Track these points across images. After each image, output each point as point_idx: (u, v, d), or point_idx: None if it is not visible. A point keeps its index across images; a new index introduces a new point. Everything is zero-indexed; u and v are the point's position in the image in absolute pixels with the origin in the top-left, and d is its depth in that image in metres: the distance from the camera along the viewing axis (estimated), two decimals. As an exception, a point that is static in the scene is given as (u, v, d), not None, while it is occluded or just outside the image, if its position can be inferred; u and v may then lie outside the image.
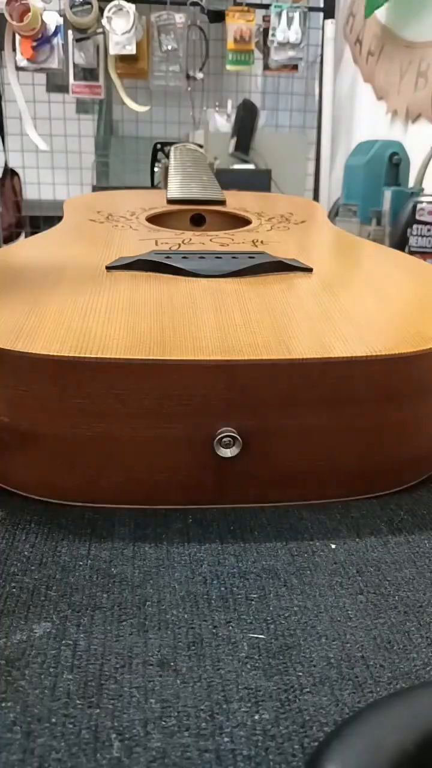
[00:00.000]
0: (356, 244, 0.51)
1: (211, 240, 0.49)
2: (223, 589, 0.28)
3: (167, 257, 0.41)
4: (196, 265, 0.40)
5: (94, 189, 1.66)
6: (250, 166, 1.72)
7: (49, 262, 0.43)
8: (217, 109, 1.98)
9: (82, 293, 0.37)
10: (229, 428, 0.32)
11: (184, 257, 0.42)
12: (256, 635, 0.25)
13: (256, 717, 0.21)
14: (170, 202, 0.61)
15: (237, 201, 0.64)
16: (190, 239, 0.49)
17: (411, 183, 1.16)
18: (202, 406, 0.31)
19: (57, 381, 0.31)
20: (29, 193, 1.85)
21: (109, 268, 0.41)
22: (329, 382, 0.31)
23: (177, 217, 0.59)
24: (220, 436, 0.32)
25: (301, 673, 0.23)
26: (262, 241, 0.49)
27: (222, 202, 0.62)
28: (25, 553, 0.30)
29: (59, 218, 0.58)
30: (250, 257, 0.42)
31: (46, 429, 0.32)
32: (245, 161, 1.74)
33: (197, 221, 0.60)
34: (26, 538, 0.31)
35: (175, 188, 0.65)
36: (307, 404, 0.32)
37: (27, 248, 0.47)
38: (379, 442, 0.33)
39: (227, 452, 0.32)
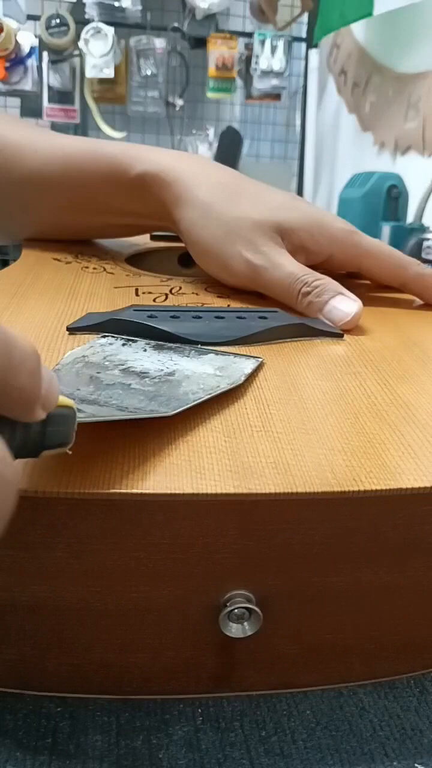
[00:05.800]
0: (388, 294, 0.41)
1: (206, 289, 0.38)
2: None
3: (150, 315, 0.31)
4: (190, 328, 0.30)
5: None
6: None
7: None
8: (195, 133, 1.89)
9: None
10: (243, 593, 0.21)
11: (173, 316, 0.31)
12: None
13: None
14: (153, 237, 0.51)
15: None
16: (179, 288, 0.38)
17: (410, 218, 1.07)
18: (200, 561, 0.20)
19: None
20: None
21: (70, 329, 0.30)
22: (397, 523, 0.21)
23: (163, 257, 0.49)
24: (229, 607, 0.21)
25: None
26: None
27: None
28: None
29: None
30: (260, 317, 0.32)
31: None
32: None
33: (185, 262, 0.50)
34: None
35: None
36: (362, 555, 0.21)
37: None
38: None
39: (238, 630, 0.21)
